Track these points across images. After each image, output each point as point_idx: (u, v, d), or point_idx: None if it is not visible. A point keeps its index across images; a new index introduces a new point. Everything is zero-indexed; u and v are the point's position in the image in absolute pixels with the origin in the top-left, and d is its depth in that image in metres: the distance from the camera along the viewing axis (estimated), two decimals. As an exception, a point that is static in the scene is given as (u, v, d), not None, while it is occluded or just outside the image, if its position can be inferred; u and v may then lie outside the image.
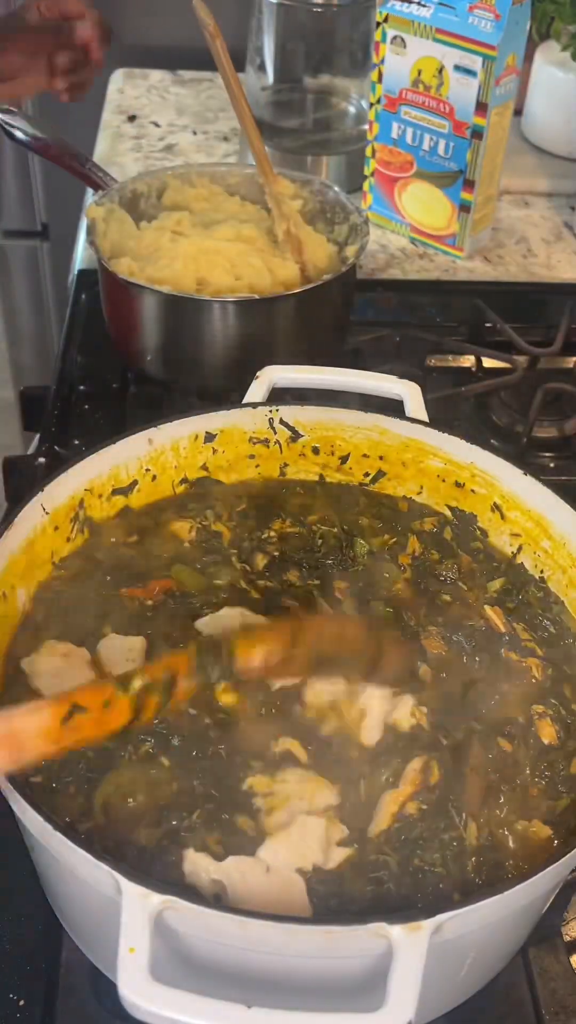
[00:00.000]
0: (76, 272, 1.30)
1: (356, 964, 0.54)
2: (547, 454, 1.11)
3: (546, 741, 0.70)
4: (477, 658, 0.74)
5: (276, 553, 0.80)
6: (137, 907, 0.52)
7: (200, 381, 1.05)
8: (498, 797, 0.66)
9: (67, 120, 1.23)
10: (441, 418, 0.84)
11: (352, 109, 1.45)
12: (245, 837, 0.62)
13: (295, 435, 0.85)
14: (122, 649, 0.72)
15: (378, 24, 1.28)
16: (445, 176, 1.32)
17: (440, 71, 1.25)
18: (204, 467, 0.84)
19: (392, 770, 0.66)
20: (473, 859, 0.63)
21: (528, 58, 1.42)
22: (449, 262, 1.37)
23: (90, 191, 1.21)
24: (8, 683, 0.69)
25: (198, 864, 0.60)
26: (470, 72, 1.23)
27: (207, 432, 0.83)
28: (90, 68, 1.24)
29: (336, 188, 1.14)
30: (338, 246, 1.11)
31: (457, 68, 1.24)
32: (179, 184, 1.14)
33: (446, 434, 0.82)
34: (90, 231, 1.06)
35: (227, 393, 0.86)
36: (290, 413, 0.84)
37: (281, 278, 1.05)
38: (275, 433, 0.84)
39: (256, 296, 1.03)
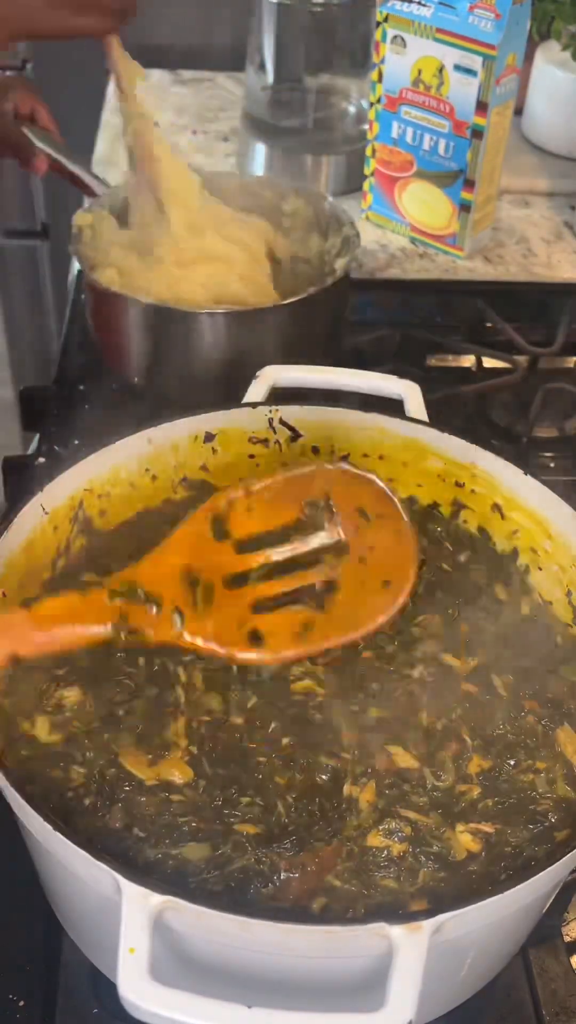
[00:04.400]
0: (76, 272, 1.30)
1: (356, 964, 0.54)
2: (547, 454, 1.11)
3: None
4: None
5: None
6: (137, 907, 0.52)
7: (187, 395, 1.03)
8: None
9: (66, 121, 1.23)
10: (441, 418, 0.84)
11: (352, 109, 1.45)
12: None
13: (295, 435, 0.85)
14: None
15: (378, 24, 1.28)
16: (445, 176, 1.32)
17: (440, 71, 1.25)
18: (204, 467, 0.84)
19: None
20: None
21: (528, 58, 1.42)
22: (449, 262, 1.37)
23: (90, 191, 1.21)
24: None
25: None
26: (470, 72, 1.23)
27: (207, 432, 0.83)
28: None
29: (331, 199, 1.13)
30: (327, 257, 1.10)
31: (457, 68, 1.24)
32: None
33: (446, 434, 0.82)
34: (74, 239, 1.05)
35: (215, 406, 0.86)
36: (290, 413, 0.84)
37: (270, 291, 1.04)
38: (275, 433, 0.84)
39: (242, 308, 1.02)
